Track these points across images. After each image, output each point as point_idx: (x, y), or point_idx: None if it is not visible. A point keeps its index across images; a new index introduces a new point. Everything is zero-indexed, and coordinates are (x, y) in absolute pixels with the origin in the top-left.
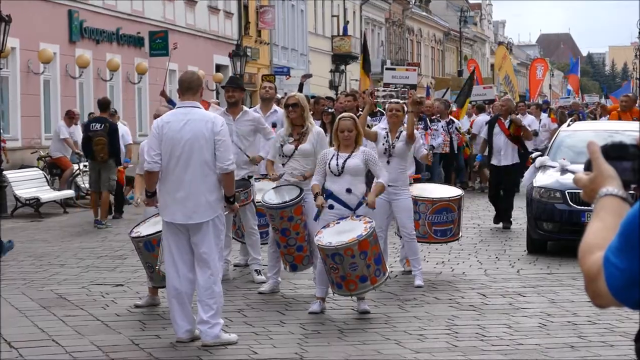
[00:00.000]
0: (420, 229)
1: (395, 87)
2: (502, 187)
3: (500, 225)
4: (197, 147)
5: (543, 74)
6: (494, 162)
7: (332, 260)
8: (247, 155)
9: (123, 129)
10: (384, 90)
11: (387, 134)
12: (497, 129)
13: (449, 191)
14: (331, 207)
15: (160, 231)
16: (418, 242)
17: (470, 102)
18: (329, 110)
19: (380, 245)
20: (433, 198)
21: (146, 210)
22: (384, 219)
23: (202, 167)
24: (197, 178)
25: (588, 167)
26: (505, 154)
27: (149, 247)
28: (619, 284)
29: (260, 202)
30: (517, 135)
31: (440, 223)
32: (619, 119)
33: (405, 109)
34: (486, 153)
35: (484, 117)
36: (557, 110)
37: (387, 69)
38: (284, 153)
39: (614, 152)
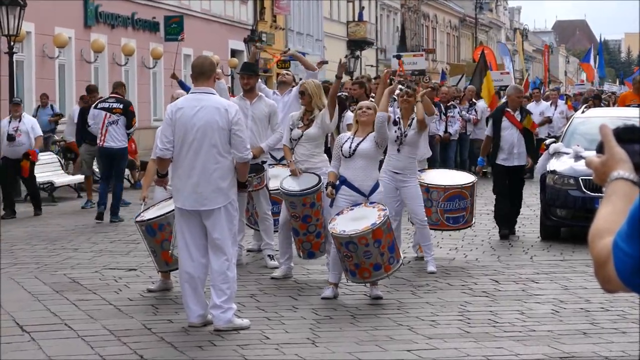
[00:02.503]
0: (432, 216)
1: (406, 72)
2: (509, 191)
3: (508, 240)
4: (210, 134)
5: (547, 60)
6: (502, 162)
7: (345, 249)
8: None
9: (31, 121)
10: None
11: (400, 121)
12: (506, 123)
13: (461, 178)
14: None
15: (161, 215)
16: (430, 229)
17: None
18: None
19: (394, 232)
20: (445, 185)
21: (155, 195)
22: (394, 205)
23: (214, 154)
24: (209, 165)
25: (600, 149)
26: (518, 152)
27: (150, 232)
28: (628, 270)
29: (277, 189)
30: (531, 129)
31: (452, 210)
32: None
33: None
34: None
35: (484, 103)
36: (582, 97)
37: (394, 55)
38: (292, 137)
39: (626, 135)
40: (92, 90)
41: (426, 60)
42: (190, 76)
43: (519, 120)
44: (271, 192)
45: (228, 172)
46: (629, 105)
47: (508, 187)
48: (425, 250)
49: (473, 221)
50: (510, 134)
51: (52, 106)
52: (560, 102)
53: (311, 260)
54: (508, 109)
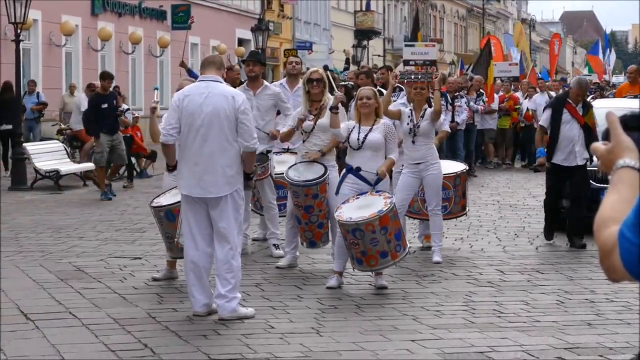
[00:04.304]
0: (414, 205)
1: (416, 63)
2: (564, 193)
3: (553, 242)
4: (217, 121)
5: (558, 50)
6: (559, 161)
7: (352, 236)
8: (267, 133)
9: None
10: (408, 72)
11: (412, 112)
12: (567, 117)
13: (449, 168)
14: (358, 169)
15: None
16: (411, 217)
17: (501, 79)
18: (342, 82)
19: (400, 220)
20: None
21: (164, 184)
22: (409, 195)
23: (221, 142)
24: (216, 152)
25: (606, 136)
26: (579, 150)
27: (169, 217)
28: (634, 259)
29: (281, 174)
30: (592, 127)
31: None
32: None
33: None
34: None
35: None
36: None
37: (406, 45)
38: (304, 129)
39: (633, 123)
40: (106, 76)
41: (441, 52)
42: (200, 67)
43: (581, 114)
44: (277, 176)
45: (235, 160)
46: (624, 97)
47: (570, 190)
48: (434, 239)
49: (464, 212)
50: (570, 129)
51: (38, 94)
52: None
53: (315, 249)
54: (570, 101)
